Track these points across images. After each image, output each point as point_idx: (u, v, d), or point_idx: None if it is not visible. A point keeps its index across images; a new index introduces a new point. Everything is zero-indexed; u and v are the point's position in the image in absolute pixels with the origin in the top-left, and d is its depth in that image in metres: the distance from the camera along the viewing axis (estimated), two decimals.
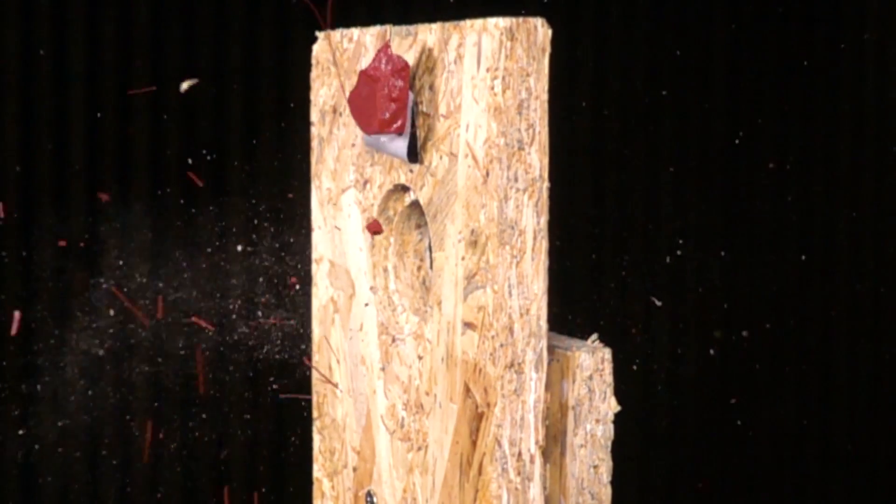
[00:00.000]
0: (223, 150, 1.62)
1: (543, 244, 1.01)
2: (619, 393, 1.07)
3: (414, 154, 1.08)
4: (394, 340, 1.13)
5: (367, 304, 1.17)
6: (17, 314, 1.45)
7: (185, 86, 1.35)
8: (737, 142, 1.77)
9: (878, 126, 1.81)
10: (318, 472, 1.27)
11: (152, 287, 1.60)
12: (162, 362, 1.60)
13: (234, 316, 1.61)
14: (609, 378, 1.06)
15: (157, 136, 1.60)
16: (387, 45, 1.08)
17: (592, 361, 1.06)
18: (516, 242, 1.00)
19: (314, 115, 1.25)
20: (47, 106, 1.58)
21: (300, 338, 1.61)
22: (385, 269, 1.16)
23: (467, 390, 1.03)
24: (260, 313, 1.62)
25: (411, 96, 1.08)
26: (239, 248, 1.62)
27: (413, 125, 1.07)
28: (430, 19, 1.08)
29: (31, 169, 1.59)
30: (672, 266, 1.76)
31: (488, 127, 1.00)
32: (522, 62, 0.99)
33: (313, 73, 1.24)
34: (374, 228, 1.15)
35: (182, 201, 1.61)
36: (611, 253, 1.74)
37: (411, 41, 1.09)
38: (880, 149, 1.81)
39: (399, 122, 1.07)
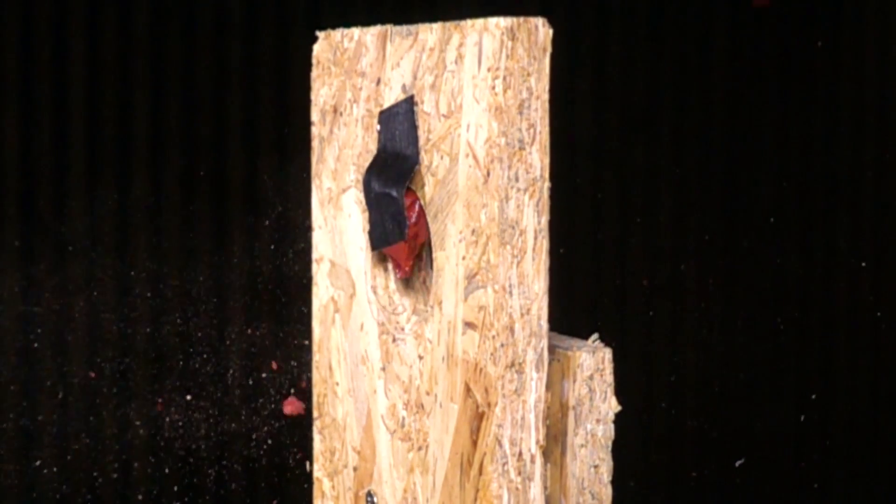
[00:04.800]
0: (222, 151, 1.61)
1: (544, 244, 1.01)
2: (620, 393, 1.07)
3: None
4: (394, 340, 1.13)
5: (369, 302, 1.17)
6: None
7: None
8: (738, 141, 1.77)
9: (879, 125, 1.81)
10: (318, 471, 1.27)
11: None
12: None
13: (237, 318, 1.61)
14: (610, 378, 1.06)
15: (156, 137, 1.60)
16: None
17: (593, 361, 1.06)
18: (517, 242, 1.00)
19: (315, 115, 1.25)
20: (47, 107, 1.58)
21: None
22: (386, 269, 1.16)
23: (468, 390, 1.03)
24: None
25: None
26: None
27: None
28: (431, 19, 1.08)
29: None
30: (672, 265, 1.76)
31: (489, 127, 1.00)
32: (523, 62, 0.99)
33: (314, 73, 1.25)
34: (292, 409, 1.17)
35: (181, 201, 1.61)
36: (611, 253, 1.74)
37: (412, 41, 1.08)
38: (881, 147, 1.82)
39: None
